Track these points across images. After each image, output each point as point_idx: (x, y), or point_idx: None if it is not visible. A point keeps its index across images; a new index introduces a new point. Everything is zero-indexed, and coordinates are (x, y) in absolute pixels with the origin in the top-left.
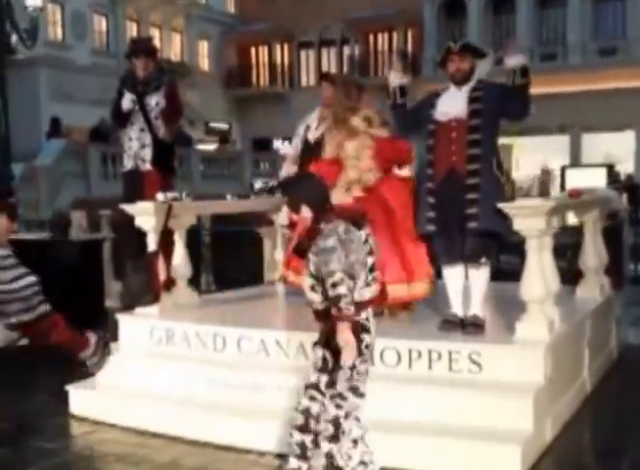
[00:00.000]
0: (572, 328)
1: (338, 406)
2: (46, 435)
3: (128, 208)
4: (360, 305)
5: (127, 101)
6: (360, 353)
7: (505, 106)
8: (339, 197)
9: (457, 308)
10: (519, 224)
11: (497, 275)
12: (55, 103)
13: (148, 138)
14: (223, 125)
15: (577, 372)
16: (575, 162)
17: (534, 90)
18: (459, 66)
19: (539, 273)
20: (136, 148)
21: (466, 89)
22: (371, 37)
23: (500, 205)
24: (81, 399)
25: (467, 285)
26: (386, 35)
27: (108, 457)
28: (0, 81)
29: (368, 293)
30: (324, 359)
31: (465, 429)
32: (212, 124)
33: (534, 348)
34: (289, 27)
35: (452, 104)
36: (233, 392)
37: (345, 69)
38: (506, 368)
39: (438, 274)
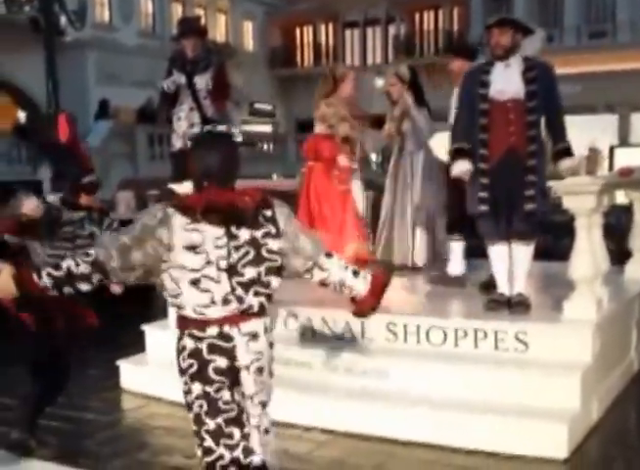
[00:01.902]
0: (621, 308)
1: None
2: (99, 409)
3: (176, 187)
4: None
5: (170, 82)
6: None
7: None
8: None
9: (504, 288)
10: (568, 203)
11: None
12: (102, 85)
13: (197, 117)
14: (268, 106)
15: (625, 352)
16: (624, 141)
17: (583, 68)
18: (498, 39)
19: (588, 252)
20: (185, 127)
21: (517, 68)
22: (417, 16)
23: (551, 182)
24: (132, 374)
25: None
26: (432, 14)
27: (158, 430)
28: (50, 64)
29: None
30: None
31: (511, 407)
32: (257, 105)
33: (582, 327)
34: (333, 7)
35: (508, 83)
36: (279, 368)
37: (391, 48)
38: (553, 347)
39: (470, 253)
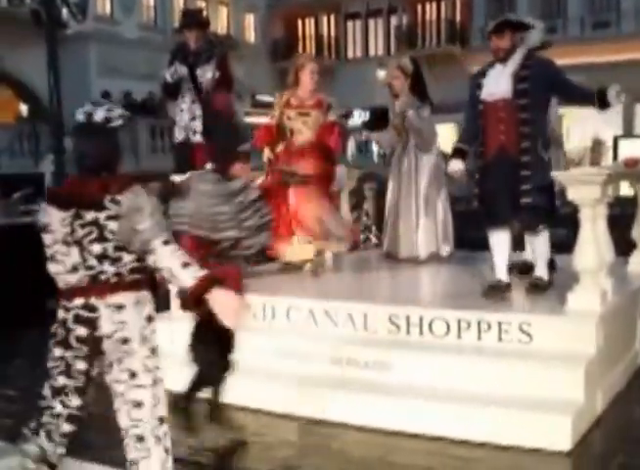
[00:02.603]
0: (625, 299)
1: None
2: (102, 400)
3: (179, 178)
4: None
5: (171, 72)
6: None
7: (557, 93)
8: None
9: (502, 275)
10: (572, 193)
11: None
12: (103, 78)
13: (199, 110)
14: (269, 98)
15: (629, 344)
16: (628, 132)
17: (587, 59)
18: (498, 44)
19: (593, 243)
20: (187, 120)
21: (511, 67)
22: (419, 7)
23: (555, 173)
24: None
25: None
26: (434, 4)
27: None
28: (52, 57)
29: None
30: None
31: (515, 399)
32: (259, 97)
33: (586, 318)
34: None
35: (498, 83)
36: (282, 360)
37: (393, 39)
38: (557, 339)
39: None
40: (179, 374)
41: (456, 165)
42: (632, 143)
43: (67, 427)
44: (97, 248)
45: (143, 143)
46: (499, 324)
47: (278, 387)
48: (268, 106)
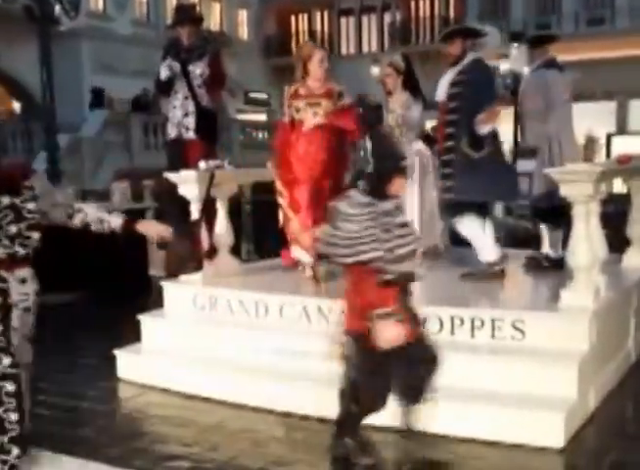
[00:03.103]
0: (618, 296)
1: None
2: (95, 398)
3: (172, 176)
4: None
5: (165, 69)
6: None
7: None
8: None
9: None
10: (565, 190)
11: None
12: (96, 74)
13: (191, 106)
14: (263, 95)
15: (623, 341)
16: (622, 129)
17: (581, 55)
18: (449, 50)
19: (586, 240)
20: (180, 116)
21: (452, 73)
22: (412, 3)
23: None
24: (128, 363)
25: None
26: (427, 1)
27: (154, 419)
28: (45, 53)
29: None
30: None
31: (508, 396)
32: (252, 94)
33: (579, 315)
34: None
35: (441, 87)
36: (275, 357)
37: (386, 36)
38: (550, 336)
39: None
40: (173, 371)
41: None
42: (625, 140)
43: (8, 386)
44: (13, 229)
45: (136, 140)
46: (492, 321)
47: (269, 383)
48: (261, 103)
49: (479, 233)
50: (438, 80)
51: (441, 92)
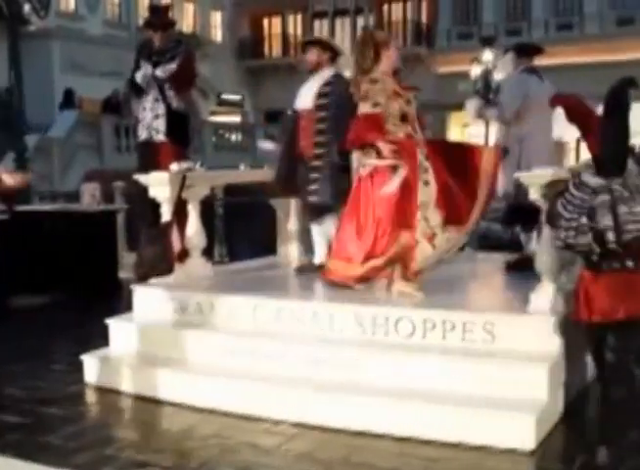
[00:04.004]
0: None
1: None
2: (62, 403)
3: (142, 178)
4: None
5: (140, 75)
6: None
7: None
8: None
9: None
10: (534, 194)
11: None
12: (67, 75)
13: (161, 108)
14: (236, 97)
15: None
16: None
17: (551, 60)
18: (307, 57)
19: (554, 244)
20: (149, 118)
21: (317, 82)
22: (385, 7)
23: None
24: (96, 368)
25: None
26: (400, 5)
27: (123, 425)
28: (14, 53)
29: None
30: None
31: (479, 399)
32: (225, 96)
33: (549, 318)
34: None
35: (304, 95)
36: (248, 361)
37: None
38: (520, 338)
39: None
40: (142, 375)
41: None
42: None
43: None
44: None
45: (107, 141)
46: (463, 324)
47: (241, 387)
48: (235, 104)
49: (322, 239)
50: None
51: (307, 101)
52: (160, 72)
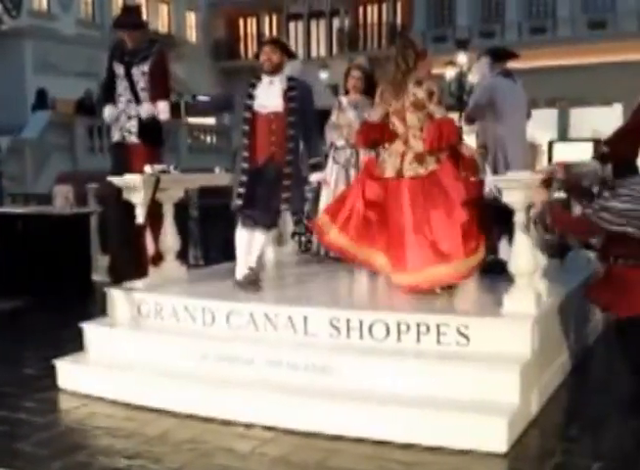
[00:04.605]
0: (559, 301)
1: None
2: (34, 409)
3: (116, 180)
4: None
5: (107, 114)
6: None
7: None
8: None
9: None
10: (507, 197)
11: None
12: (40, 75)
13: (134, 110)
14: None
15: (564, 344)
16: (563, 136)
17: (524, 63)
18: (270, 56)
19: (527, 247)
20: (123, 120)
21: (280, 84)
22: (361, 9)
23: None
24: (69, 373)
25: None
26: (375, 7)
27: (97, 431)
28: None
29: None
30: None
31: (452, 401)
32: (200, 97)
33: (522, 321)
34: None
35: (270, 97)
36: (222, 365)
37: (335, 41)
38: (494, 341)
39: None
40: (116, 380)
41: None
42: (566, 147)
43: None
44: None
45: (80, 142)
46: (438, 327)
47: (215, 392)
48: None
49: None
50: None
51: (276, 103)
52: (135, 73)
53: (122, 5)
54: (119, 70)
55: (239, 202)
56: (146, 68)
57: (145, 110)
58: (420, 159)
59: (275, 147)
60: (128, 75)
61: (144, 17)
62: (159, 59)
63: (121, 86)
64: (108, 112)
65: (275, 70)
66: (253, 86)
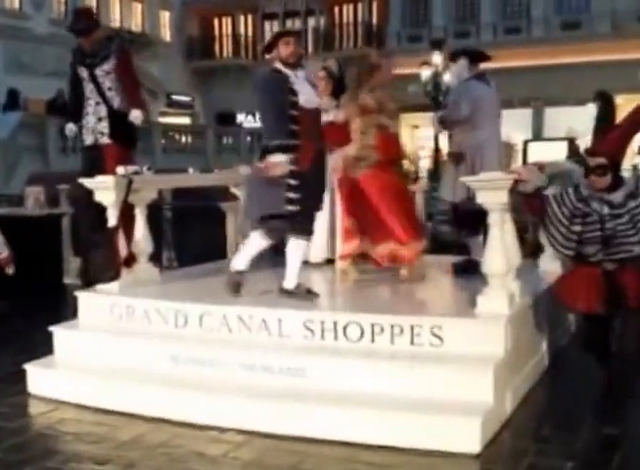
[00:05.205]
0: (532, 301)
1: None
2: (4, 414)
3: (87, 182)
4: None
5: (68, 130)
6: None
7: None
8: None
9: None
10: (481, 198)
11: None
12: (12, 75)
13: (104, 111)
14: (186, 98)
15: (537, 345)
16: (538, 135)
17: (499, 63)
18: (297, 49)
19: (501, 247)
20: (93, 122)
21: (306, 79)
22: (336, 9)
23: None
24: (39, 377)
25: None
26: (351, 7)
27: (67, 436)
28: None
29: None
30: None
31: (426, 402)
32: (175, 97)
33: (495, 321)
34: None
35: (310, 92)
36: (195, 368)
37: (310, 41)
38: (467, 341)
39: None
40: (87, 385)
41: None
42: (541, 146)
43: None
44: None
45: (53, 143)
46: (411, 328)
47: (188, 395)
48: (184, 106)
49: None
50: None
51: (316, 99)
52: (99, 74)
53: (74, 8)
54: (83, 73)
55: (293, 207)
56: (108, 66)
57: (117, 102)
58: (357, 161)
59: (321, 146)
60: (93, 77)
61: (95, 17)
62: (120, 56)
63: (88, 89)
64: (68, 128)
65: (299, 65)
66: (287, 80)
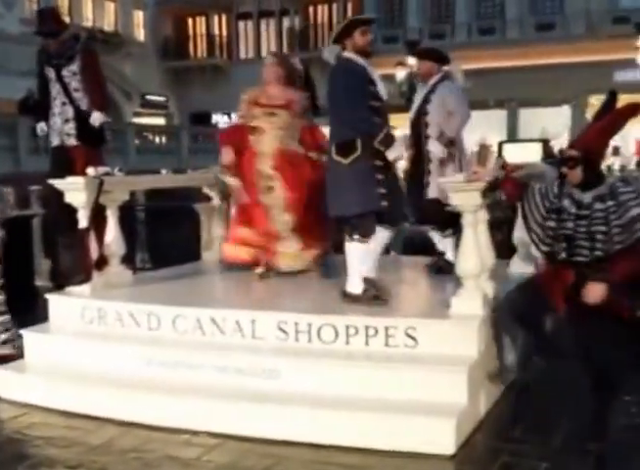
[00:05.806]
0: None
1: None
2: None
3: (57, 183)
4: None
5: (39, 129)
6: None
7: None
8: None
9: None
10: (455, 199)
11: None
12: None
13: (70, 112)
14: (160, 98)
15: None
16: (512, 136)
17: (474, 64)
18: (371, 40)
19: (475, 248)
20: (60, 123)
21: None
22: (311, 9)
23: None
24: (8, 381)
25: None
26: (325, 7)
27: (38, 441)
28: None
29: None
30: None
31: (401, 403)
32: (149, 97)
33: (469, 322)
34: None
35: (381, 83)
36: (168, 371)
37: (285, 40)
38: (441, 342)
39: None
40: (58, 388)
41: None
42: (515, 147)
43: None
44: None
45: (23, 143)
46: (386, 329)
47: (160, 399)
48: (159, 106)
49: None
50: None
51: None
52: (66, 75)
53: (37, 9)
54: (50, 73)
55: (384, 203)
56: (74, 67)
57: (85, 102)
58: None
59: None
60: (59, 78)
61: (61, 17)
62: (86, 56)
63: (55, 89)
64: (40, 127)
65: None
66: (365, 70)
